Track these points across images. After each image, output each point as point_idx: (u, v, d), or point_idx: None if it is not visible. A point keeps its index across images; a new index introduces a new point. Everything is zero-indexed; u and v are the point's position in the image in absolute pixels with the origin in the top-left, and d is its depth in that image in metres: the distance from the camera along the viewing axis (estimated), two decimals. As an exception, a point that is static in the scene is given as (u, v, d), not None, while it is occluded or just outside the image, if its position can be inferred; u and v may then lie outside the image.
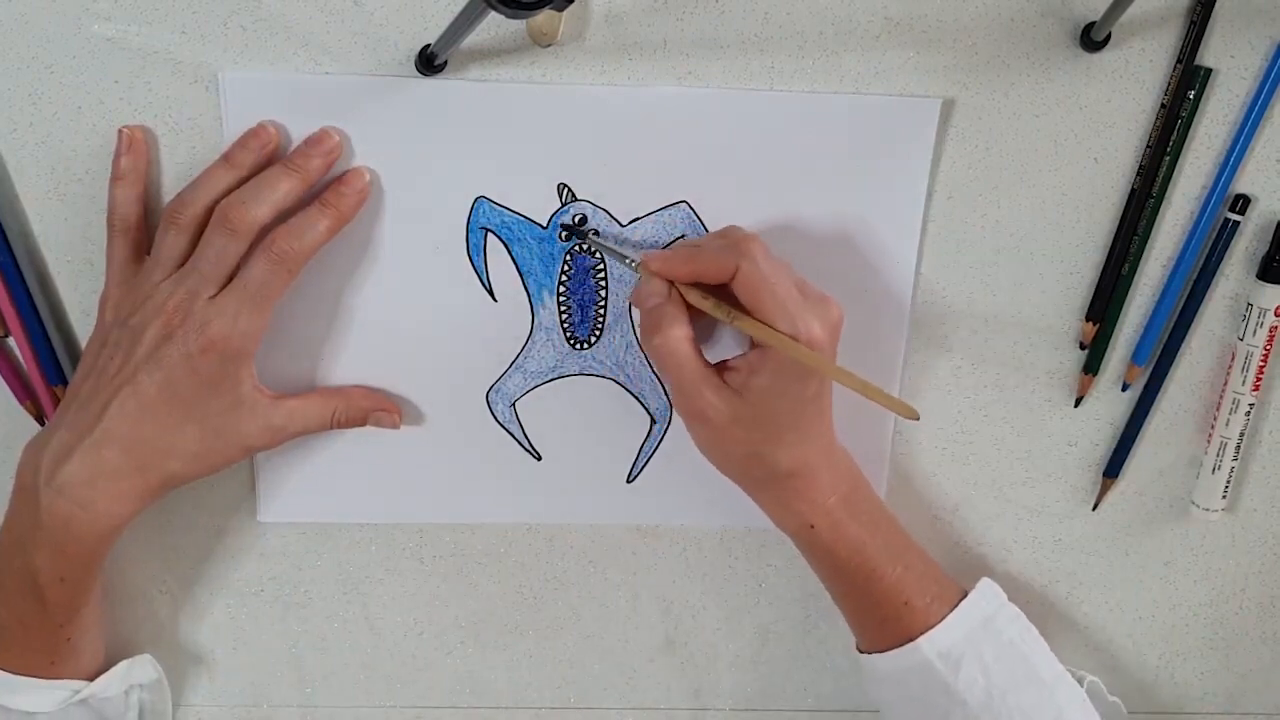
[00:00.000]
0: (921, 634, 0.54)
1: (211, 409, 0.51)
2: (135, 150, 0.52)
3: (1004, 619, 0.56)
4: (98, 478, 0.49)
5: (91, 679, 0.55)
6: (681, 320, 0.51)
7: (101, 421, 0.49)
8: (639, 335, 0.53)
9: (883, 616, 0.55)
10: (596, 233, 0.55)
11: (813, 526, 0.54)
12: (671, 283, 0.51)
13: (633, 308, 0.56)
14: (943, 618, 0.54)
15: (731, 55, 0.53)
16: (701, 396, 0.51)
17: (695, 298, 0.51)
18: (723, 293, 0.51)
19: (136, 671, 0.58)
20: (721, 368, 0.52)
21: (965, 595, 0.56)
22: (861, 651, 0.58)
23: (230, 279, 0.50)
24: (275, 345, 0.55)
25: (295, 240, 0.50)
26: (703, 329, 0.56)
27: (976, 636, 0.54)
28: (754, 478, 0.54)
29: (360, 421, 0.55)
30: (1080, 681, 0.57)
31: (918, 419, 0.48)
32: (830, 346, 0.50)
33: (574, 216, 0.55)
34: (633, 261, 0.53)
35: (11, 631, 0.52)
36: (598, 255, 0.56)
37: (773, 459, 0.52)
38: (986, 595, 0.56)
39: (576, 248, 0.56)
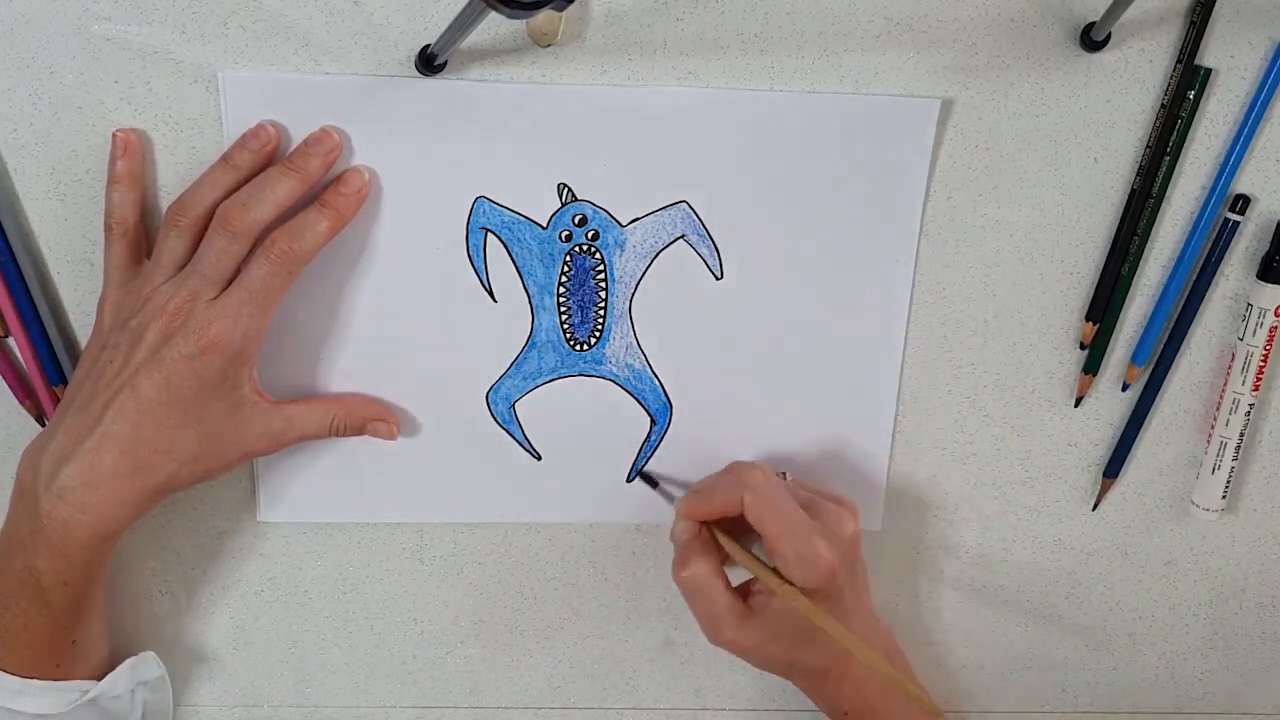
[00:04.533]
0: None
1: (211, 411, 0.51)
2: (130, 153, 0.52)
3: None
4: (97, 481, 0.49)
5: (98, 679, 0.55)
6: (707, 555, 0.54)
7: (100, 424, 0.49)
8: (672, 569, 0.55)
9: None
10: (657, 484, 0.60)
11: (846, 713, 0.56)
12: (704, 523, 0.55)
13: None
14: None
15: (731, 55, 0.53)
16: (727, 628, 0.54)
17: (725, 540, 0.54)
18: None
19: (141, 669, 0.58)
20: (746, 590, 0.55)
21: None
22: None
23: (231, 280, 0.50)
24: (276, 346, 0.55)
25: (295, 241, 0.50)
26: None
27: None
28: (794, 674, 0.57)
29: (358, 430, 0.56)
30: None
31: (941, 716, 0.51)
32: (842, 561, 0.52)
33: (574, 216, 0.55)
34: (671, 496, 0.59)
35: (16, 635, 0.52)
36: (598, 255, 0.56)
37: (804, 662, 0.55)
38: None
39: (577, 248, 0.56)
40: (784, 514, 0.52)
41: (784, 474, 0.58)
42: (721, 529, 0.55)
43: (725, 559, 0.55)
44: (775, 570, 0.52)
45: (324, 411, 0.54)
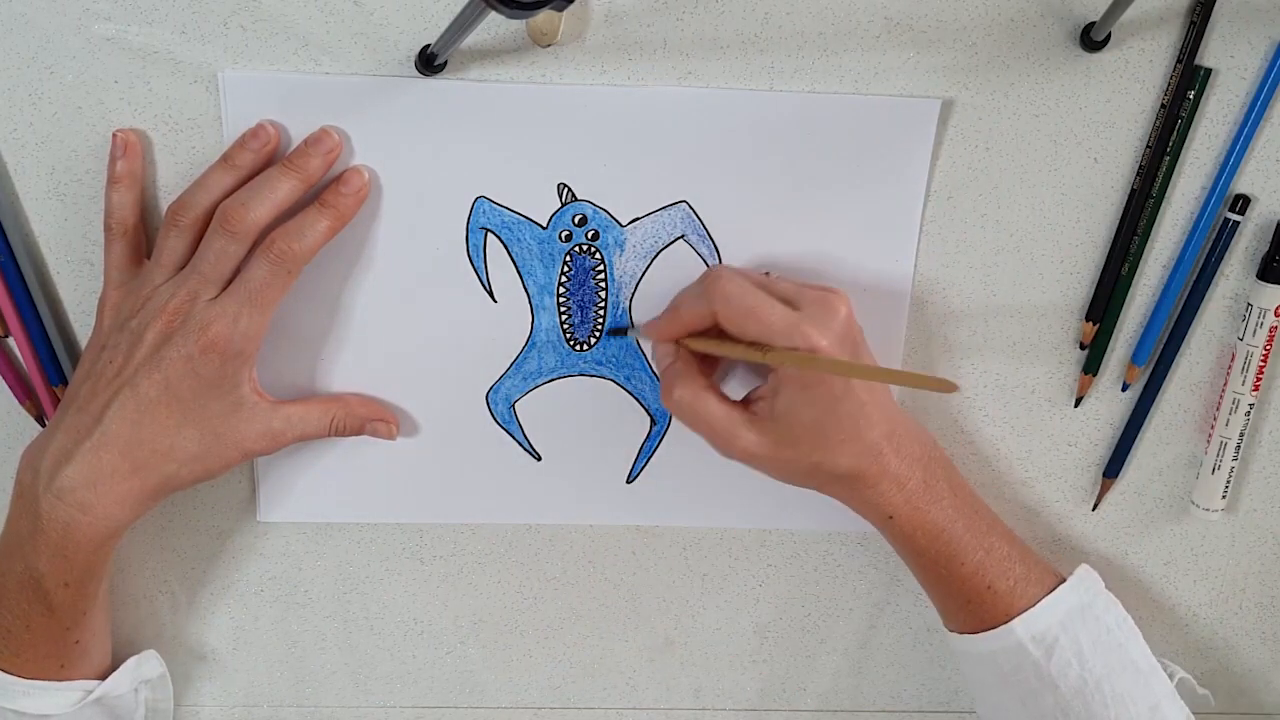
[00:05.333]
0: (1013, 617, 0.53)
1: (211, 411, 0.51)
2: (130, 154, 0.52)
3: (1101, 606, 0.55)
4: (97, 481, 0.49)
5: (101, 679, 0.55)
6: (692, 374, 0.52)
7: (100, 424, 0.49)
8: (661, 397, 0.54)
9: (965, 600, 0.54)
10: (627, 329, 0.57)
11: (891, 518, 0.53)
12: (679, 343, 0.53)
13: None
14: (1034, 600, 0.53)
15: (731, 55, 0.53)
16: (738, 438, 0.52)
17: (702, 345, 0.52)
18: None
19: (144, 667, 0.58)
20: (749, 401, 0.53)
21: (1060, 580, 0.55)
22: (950, 631, 0.57)
23: (231, 280, 0.50)
24: (276, 346, 0.55)
25: (295, 241, 0.50)
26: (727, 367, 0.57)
27: (1072, 622, 0.53)
28: (823, 483, 0.54)
29: (358, 430, 0.56)
30: (1171, 677, 0.57)
31: (957, 390, 0.46)
32: (840, 346, 0.50)
33: (574, 216, 0.55)
34: (634, 329, 0.56)
35: (19, 637, 0.52)
36: (598, 255, 0.56)
37: (831, 464, 0.52)
38: (1085, 581, 0.55)
39: (577, 248, 0.56)
40: (763, 315, 0.49)
41: (767, 273, 0.55)
42: (699, 336, 0.52)
43: (714, 371, 0.53)
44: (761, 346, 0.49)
45: (323, 411, 0.54)
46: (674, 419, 0.53)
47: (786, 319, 0.49)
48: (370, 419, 0.56)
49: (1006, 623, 0.53)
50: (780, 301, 0.50)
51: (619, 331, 0.57)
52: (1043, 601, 0.53)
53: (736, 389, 0.57)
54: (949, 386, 0.45)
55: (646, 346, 0.58)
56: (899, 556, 0.56)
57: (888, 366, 0.58)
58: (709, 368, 0.54)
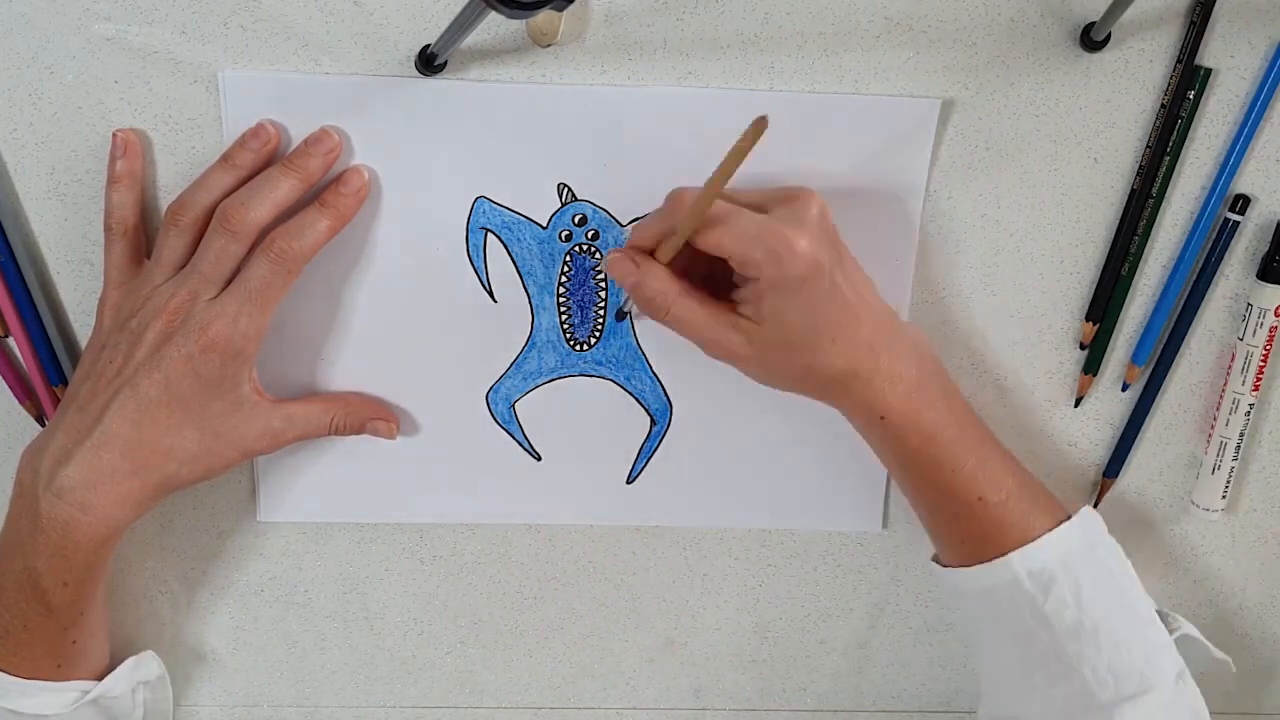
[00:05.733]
0: (1012, 548, 0.51)
1: (211, 410, 0.51)
2: (130, 154, 0.52)
3: (1105, 549, 0.53)
4: (97, 480, 0.49)
5: (99, 679, 0.55)
6: (664, 279, 0.50)
7: (100, 424, 0.49)
8: (645, 311, 0.52)
9: (955, 514, 0.53)
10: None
11: (883, 418, 0.52)
12: (633, 260, 0.51)
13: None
14: (1030, 529, 0.52)
15: (731, 55, 0.53)
16: (726, 341, 0.50)
17: (664, 252, 0.50)
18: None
19: (142, 669, 0.58)
20: (733, 304, 0.51)
21: (1064, 515, 0.53)
22: (940, 564, 0.56)
23: (231, 280, 0.50)
24: (276, 346, 0.55)
25: (295, 240, 0.50)
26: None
27: (1073, 561, 0.52)
28: (815, 386, 0.52)
29: (358, 429, 0.56)
30: (1174, 630, 0.54)
31: (765, 125, 0.45)
32: (820, 244, 0.48)
33: (574, 216, 0.55)
34: (628, 305, 0.56)
35: (16, 636, 0.52)
36: (598, 255, 0.56)
37: (822, 365, 0.50)
38: (1089, 521, 0.53)
39: (577, 248, 0.56)
40: (733, 220, 0.48)
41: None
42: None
43: (690, 272, 0.51)
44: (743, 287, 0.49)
45: (323, 410, 0.54)
46: (663, 323, 0.51)
47: (760, 224, 0.48)
48: (370, 418, 0.56)
49: (1003, 556, 0.52)
50: (749, 209, 0.49)
51: (621, 315, 0.57)
52: (1045, 537, 0.52)
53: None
54: (758, 123, 0.44)
55: (650, 341, 0.57)
56: (889, 469, 0.55)
57: (869, 285, 0.54)
58: (680, 272, 0.51)
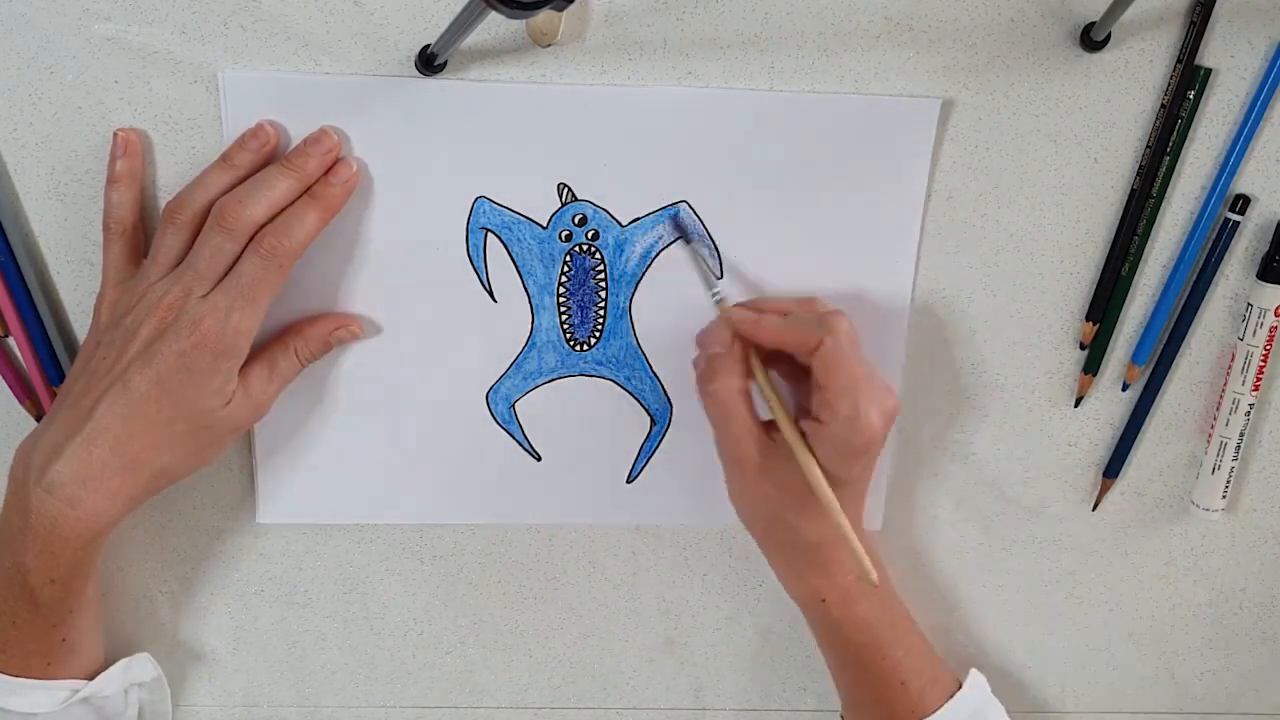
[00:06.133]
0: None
1: (204, 406, 0.50)
2: (130, 153, 0.52)
3: (992, 713, 0.58)
4: (87, 476, 0.49)
5: (91, 679, 0.55)
6: (739, 373, 0.52)
7: (91, 419, 0.49)
8: (696, 377, 0.54)
9: (877, 696, 0.57)
10: (689, 239, 0.55)
11: (824, 600, 0.55)
12: (739, 337, 0.53)
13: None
14: (935, 706, 0.56)
15: (731, 55, 0.53)
16: (744, 446, 0.52)
17: (758, 369, 0.53)
18: (791, 362, 0.53)
19: (135, 670, 0.58)
20: (771, 426, 0.53)
21: (958, 684, 0.58)
22: None
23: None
24: (275, 345, 0.55)
25: (284, 236, 0.50)
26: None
27: None
28: (776, 541, 0.56)
29: (323, 348, 0.55)
30: None
31: (875, 585, 0.51)
32: (883, 436, 0.52)
33: (574, 216, 0.55)
34: (717, 295, 0.54)
35: (5, 633, 0.52)
36: (598, 255, 0.56)
37: (796, 526, 0.53)
38: (977, 688, 0.58)
39: (577, 248, 0.56)
40: (856, 373, 0.50)
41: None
42: (758, 353, 0.53)
43: (751, 379, 0.53)
44: (798, 428, 0.52)
45: (283, 350, 0.54)
46: (702, 407, 0.54)
47: (866, 386, 0.50)
48: (329, 333, 0.55)
49: None
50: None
51: (679, 228, 0.55)
52: (944, 708, 0.56)
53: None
54: (871, 578, 0.50)
55: (650, 341, 0.57)
56: (821, 646, 0.58)
57: (890, 364, 0.59)
58: (749, 369, 0.54)
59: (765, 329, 0.52)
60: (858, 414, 0.50)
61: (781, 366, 0.54)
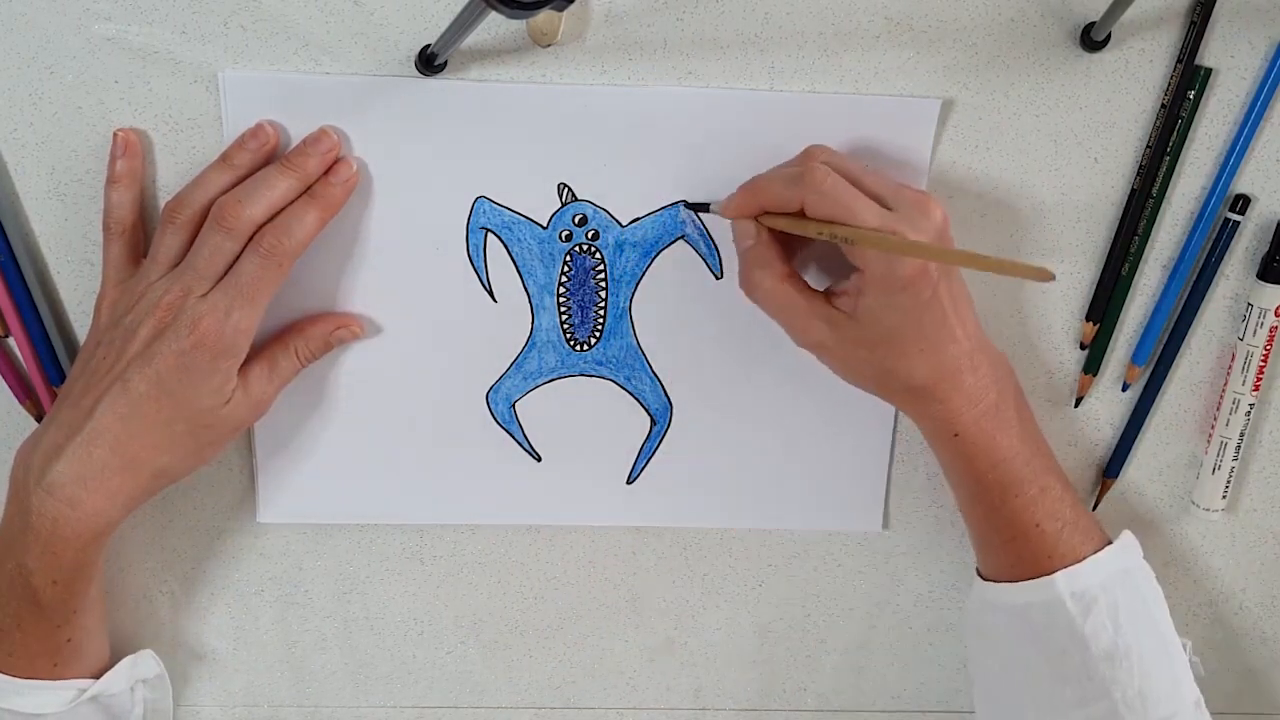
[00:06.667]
0: (1055, 568, 0.52)
1: (203, 405, 0.50)
2: (130, 153, 0.52)
3: (1141, 574, 0.54)
4: (87, 476, 0.49)
5: (97, 678, 0.55)
6: (773, 258, 0.51)
7: (91, 419, 0.49)
8: (739, 283, 0.52)
9: (1010, 536, 0.53)
10: (707, 207, 0.54)
11: (956, 435, 0.52)
12: (758, 222, 0.51)
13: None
14: (1078, 555, 0.52)
15: (731, 55, 0.53)
16: (813, 329, 0.51)
17: (785, 224, 0.50)
18: None
19: (140, 667, 0.58)
20: (830, 294, 0.51)
21: (1105, 540, 0.54)
22: (983, 578, 0.56)
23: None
24: (275, 345, 0.55)
25: (284, 235, 0.50)
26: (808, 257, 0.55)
27: (1114, 584, 0.52)
28: (892, 391, 0.53)
29: (323, 348, 0.55)
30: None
31: (1053, 279, 0.41)
32: (936, 243, 0.48)
33: (574, 216, 0.55)
34: (714, 204, 0.53)
35: (10, 635, 0.52)
36: (598, 255, 0.56)
37: (905, 372, 0.51)
38: (1129, 547, 0.54)
39: (577, 248, 0.56)
40: (858, 212, 0.47)
41: (864, 166, 0.52)
42: (785, 216, 0.50)
43: (794, 258, 0.51)
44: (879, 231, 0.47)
45: (284, 349, 0.54)
46: (752, 300, 0.52)
47: (880, 218, 0.47)
48: (331, 332, 0.55)
49: (1049, 574, 0.52)
50: (874, 200, 0.48)
51: (698, 207, 0.54)
52: (1090, 559, 0.52)
53: (814, 281, 0.54)
54: (1045, 274, 0.41)
55: (650, 341, 0.57)
56: (950, 481, 0.55)
57: (971, 304, 0.53)
58: (789, 253, 0.52)
59: (744, 200, 0.50)
60: (888, 244, 0.46)
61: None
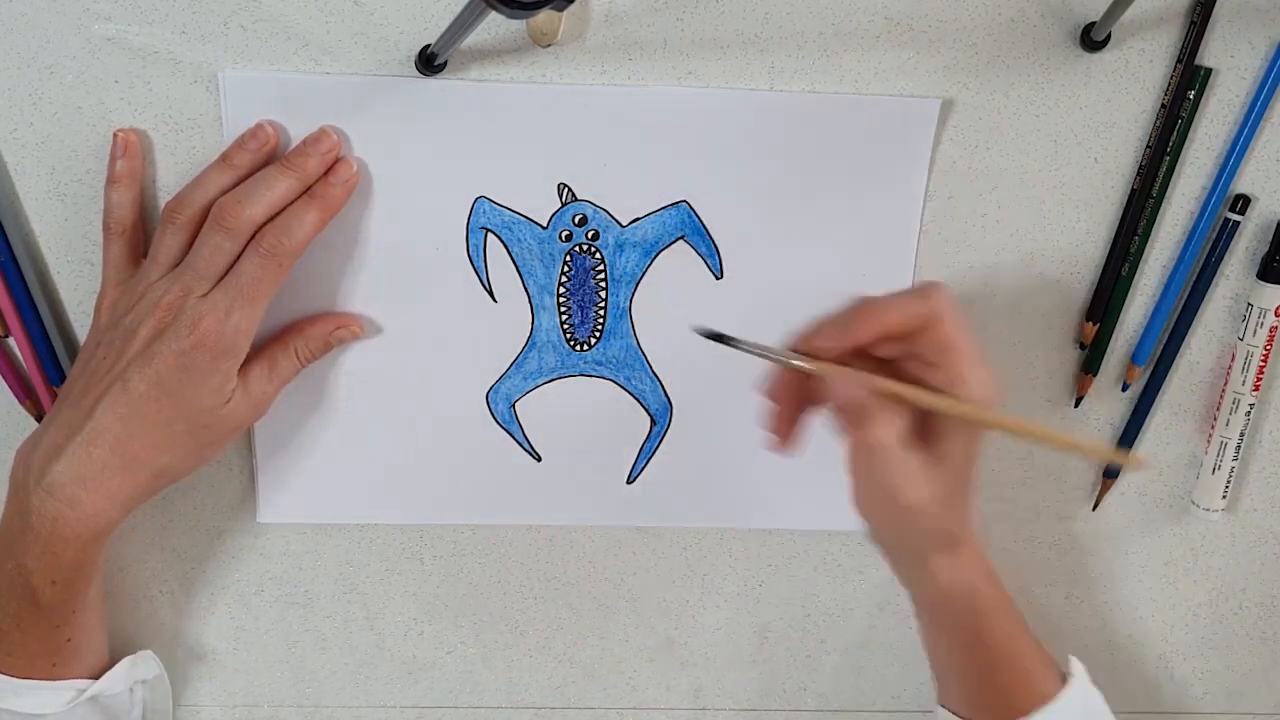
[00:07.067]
0: (1024, 712, 0.51)
1: (203, 405, 0.50)
2: (130, 153, 0.52)
3: (1097, 705, 0.54)
4: (87, 476, 0.49)
5: (97, 678, 0.55)
6: (890, 414, 0.46)
7: (91, 419, 0.49)
8: (843, 431, 0.48)
9: (1005, 684, 0.52)
10: (733, 341, 0.49)
11: (976, 588, 0.52)
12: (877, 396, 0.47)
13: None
14: (1046, 695, 0.52)
15: (731, 55, 0.53)
16: (911, 489, 0.47)
17: (899, 389, 0.47)
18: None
19: (140, 667, 0.58)
20: (911, 442, 0.48)
21: (1060, 674, 0.53)
22: (953, 712, 0.55)
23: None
24: (275, 345, 0.55)
25: (284, 235, 0.50)
26: None
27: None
28: (933, 547, 0.51)
29: (323, 347, 0.55)
30: None
31: (1145, 465, 0.44)
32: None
33: (574, 216, 0.55)
34: (795, 359, 0.48)
35: (9, 635, 0.52)
36: (598, 255, 0.56)
37: (959, 528, 0.50)
38: (1082, 678, 0.54)
39: (577, 248, 0.56)
40: (971, 337, 0.46)
41: None
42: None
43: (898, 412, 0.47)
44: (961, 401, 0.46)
45: (284, 350, 0.54)
46: (860, 463, 0.48)
47: (982, 360, 0.46)
48: (331, 331, 0.55)
49: (1026, 717, 0.51)
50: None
51: (719, 338, 0.49)
52: (1057, 700, 0.52)
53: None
54: (1136, 463, 0.42)
55: (650, 342, 0.57)
56: (942, 637, 0.54)
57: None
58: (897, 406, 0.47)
59: (860, 325, 0.46)
60: (985, 377, 0.46)
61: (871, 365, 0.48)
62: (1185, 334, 0.59)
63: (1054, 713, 0.52)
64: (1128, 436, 0.61)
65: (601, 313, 0.57)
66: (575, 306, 0.57)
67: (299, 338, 0.54)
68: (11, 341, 0.56)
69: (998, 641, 0.52)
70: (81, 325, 0.56)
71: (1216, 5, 0.53)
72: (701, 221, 0.56)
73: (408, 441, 0.58)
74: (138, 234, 0.53)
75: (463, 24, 0.45)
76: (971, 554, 0.51)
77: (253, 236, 0.50)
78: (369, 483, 0.59)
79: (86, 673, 0.55)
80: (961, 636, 0.53)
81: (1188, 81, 0.55)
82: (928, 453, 0.47)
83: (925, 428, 0.48)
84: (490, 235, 0.55)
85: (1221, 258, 0.58)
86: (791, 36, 0.53)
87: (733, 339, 0.48)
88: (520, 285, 0.56)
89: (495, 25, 0.51)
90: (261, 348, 0.54)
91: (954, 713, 0.55)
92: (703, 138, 0.54)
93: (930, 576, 0.52)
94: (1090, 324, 0.59)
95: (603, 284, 0.56)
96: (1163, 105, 0.55)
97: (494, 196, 0.54)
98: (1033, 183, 0.56)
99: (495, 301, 0.56)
